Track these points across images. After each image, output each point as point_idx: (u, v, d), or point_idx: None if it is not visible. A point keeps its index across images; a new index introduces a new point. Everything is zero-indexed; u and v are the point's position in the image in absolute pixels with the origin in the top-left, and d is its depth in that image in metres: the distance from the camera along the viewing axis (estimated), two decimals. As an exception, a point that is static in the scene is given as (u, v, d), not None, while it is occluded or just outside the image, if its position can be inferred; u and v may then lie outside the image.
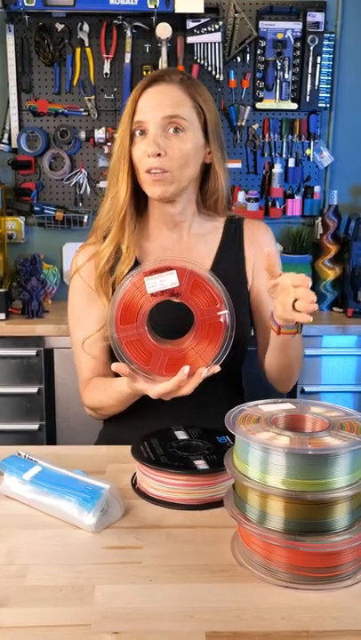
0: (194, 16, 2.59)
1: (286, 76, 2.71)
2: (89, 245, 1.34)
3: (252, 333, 1.41)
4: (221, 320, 1.05)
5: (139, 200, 1.30)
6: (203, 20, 2.61)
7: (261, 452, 0.80)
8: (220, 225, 1.37)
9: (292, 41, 2.69)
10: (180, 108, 1.23)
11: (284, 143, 2.79)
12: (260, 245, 1.37)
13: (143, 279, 1.05)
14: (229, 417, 0.87)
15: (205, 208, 1.37)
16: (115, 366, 1.07)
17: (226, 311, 1.06)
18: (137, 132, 1.24)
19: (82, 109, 2.72)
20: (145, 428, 1.16)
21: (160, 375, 1.07)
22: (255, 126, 2.77)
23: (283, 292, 1.05)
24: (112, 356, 1.31)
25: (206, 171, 1.32)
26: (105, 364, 1.32)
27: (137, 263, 1.30)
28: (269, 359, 1.28)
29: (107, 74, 2.69)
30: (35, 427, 2.41)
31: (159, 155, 1.20)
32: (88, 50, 2.67)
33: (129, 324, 1.05)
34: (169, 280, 1.05)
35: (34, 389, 2.39)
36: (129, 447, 1.11)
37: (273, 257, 1.08)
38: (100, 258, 1.29)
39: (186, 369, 1.05)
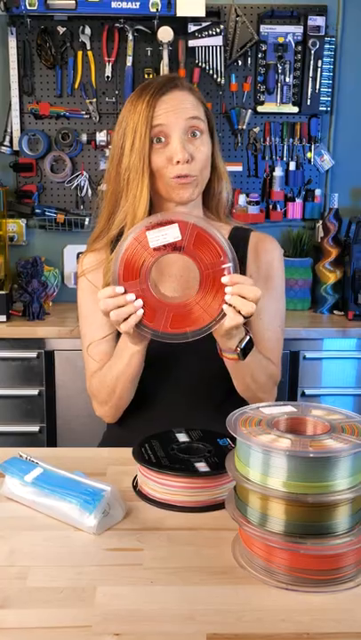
0: (195, 20, 2.60)
1: (287, 79, 2.72)
2: (95, 251, 1.33)
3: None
4: (225, 273, 1.04)
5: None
6: (204, 24, 2.62)
7: (263, 455, 0.80)
8: (225, 232, 1.36)
9: (293, 45, 2.69)
10: (198, 110, 1.23)
11: (285, 146, 2.80)
12: (264, 262, 1.35)
13: (145, 233, 1.03)
14: (231, 419, 0.87)
15: (208, 211, 1.37)
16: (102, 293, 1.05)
17: (230, 264, 1.03)
18: (155, 140, 1.20)
19: (83, 112, 2.73)
20: (148, 429, 1.17)
21: (165, 331, 1.05)
22: (256, 129, 2.78)
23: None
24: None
25: (211, 170, 1.32)
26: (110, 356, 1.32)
27: None
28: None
29: (108, 77, 2.69)
30: (35, 429, 2.41)
31: (188, 161, 1.20)
32: (90, 53, 2.68)
33: (132, 279, 1.04)
34: (171, 234, 1.03)
35: (34, 391, 2.39)
36: (130, 449, 1.11)
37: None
38: (107, 268, 1.27)
39: None
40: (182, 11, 2.50)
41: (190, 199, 1.24)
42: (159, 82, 1.23)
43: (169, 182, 1.22)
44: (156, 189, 1.24)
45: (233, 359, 1.13)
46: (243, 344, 1.11)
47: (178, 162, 1.19)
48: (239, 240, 1.34)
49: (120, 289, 1.04)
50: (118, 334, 1.31)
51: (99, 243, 1.32)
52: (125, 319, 1.04)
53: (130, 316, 1.04)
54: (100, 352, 1.32)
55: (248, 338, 1.12)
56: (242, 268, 1.34)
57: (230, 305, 1.03)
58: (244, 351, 1.11)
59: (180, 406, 1.30)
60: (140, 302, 1.04)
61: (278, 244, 1.41)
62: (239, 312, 1.03)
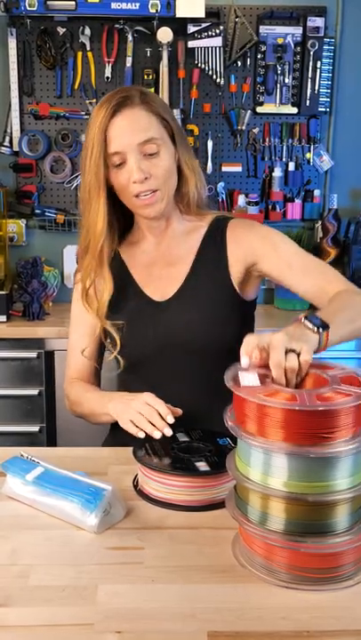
0: (195, 20, 2.60)
1: (286, 80, 2.72)
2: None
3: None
4: None
5: (115, 219, 1.32)
6: (204, 25, 2.62)
7: (263, 455, 0.81)
8: (204, 225, 1.36)
9: (293, 45, 2.70)
10: (150, 129, 1.24)
11: (285, 147, 2.80)
12: (247, 238, 1.33)
13: None
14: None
15: (180, 210, 1.37)
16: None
17: None
18: (114, 162, 1.23)
19: (83, 113, 2.73)
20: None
21: None
22: (255, 130, 2.78)
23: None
24: (99, 362, 1.43)
25: (178, 175, 1.33)
26: (90, 371, 1.42)
27: (122, 265, 1.35)
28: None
29: (108, 77, 2.70)
30: (35, 429, 2.42)
31: (145, 179, 1.23)
32: (89, 54, 2.68)
33: None
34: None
35: (34, 391, 2.39)
36: (130, 449, 1.12)
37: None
38: (82, 283, 1.33)
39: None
40: (182, 12, 2.51)
41: (158, 213, 1.28)
42: (110, 101, 1.24)
43: (133, 201, 1.27)
44: (128, 207, 1.30)
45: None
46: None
47: (135, 182, 1.23)
48: (216, 229, 1.35)
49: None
50: (100, 346, 1.40)
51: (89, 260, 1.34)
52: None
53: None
54: (77, 363, 1.42)
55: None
56: (221, 254, 1.34)
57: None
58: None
59: (182, 406, 1.30)
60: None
61: (255, 221, 1.40)
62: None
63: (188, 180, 1.32)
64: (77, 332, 1.41)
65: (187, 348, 1.29)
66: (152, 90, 2.58)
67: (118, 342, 1.30)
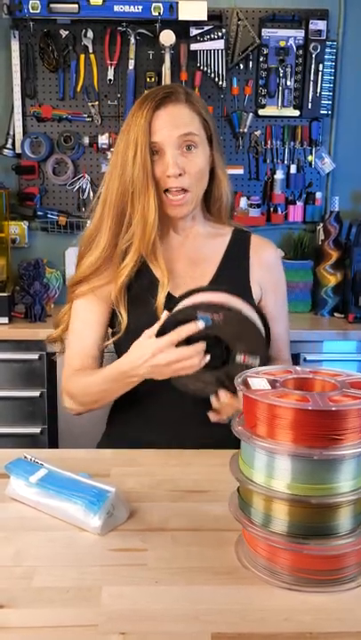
0: (197, 23, 2.61)
1: (289, 83, 2.73)
2: (92, 287, 1.33)
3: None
4: None
5: None
6: (206, 28, 2.63)
7: (267, 457, 0.81)
8: (227, 233, 1.39)
9: (295, 48, 2.71)
10: (192, 125, 1.26)
11: (286, 150, 2.81)
12: (268, 269, 1.39)
13: None
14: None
15: (210, 214, 1.39)
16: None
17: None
18: (154, 152, 1.25)
19: (85, 115, 2.74)
20: (149, 428, 1.20)
21: None
22: (257, 133, 2.79)
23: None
24: (100, 360, 1.37)
25: (210, 177, 1.34)
26: (94, 359, 1.34)
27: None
28: None
29: (110, 80, 2.71)
30: (37, 430, 2.42)
31: (180, 175, 1.24)
32: (92, 56, 2.69)
33: None
34: None
35: (36, 393, 2.40)
36: (133, 451, 1.13)
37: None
38: (119, 275, 1.28)
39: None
40: (184, 14, 2.52)
41: (184, 214, 1.30)
42: (156, 94, 1.27)
43: (163, 197, 1.27)
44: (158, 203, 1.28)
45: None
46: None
47: (169, 176, 1.24)
48: (240, 243, 1.39)
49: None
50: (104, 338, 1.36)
51: (96, 279, 1.31)
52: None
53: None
54: (84, 348, 1.33)
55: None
56: (244, 263, 1.36)
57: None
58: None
59: (181, 404, 1.31)
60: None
61: (271, 243, 1.44)
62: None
63: (222, 184, 1.34)
64: (83, 320, 1.34)
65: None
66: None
67: (125, 319, 1.27)
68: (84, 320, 1.34)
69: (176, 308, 1.14)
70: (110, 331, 1.36)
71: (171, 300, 1.30)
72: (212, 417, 1.21)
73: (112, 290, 1.29)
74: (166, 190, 1.26)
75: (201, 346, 1.11)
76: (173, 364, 1.12)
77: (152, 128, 1.24)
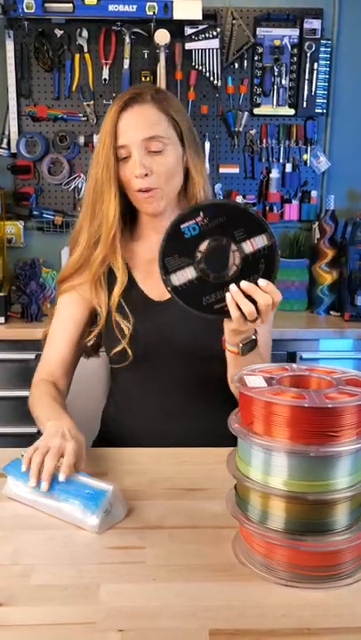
0: (192, 22, 2.61)
1: (283, 82, 2.74)
2: (74, 284, 1.36)
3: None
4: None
5: (123, 212, 1.32)
6: (201, 27, 2.63)
7: (264, 454, 0.81)
8: None
9: (290, 47, 2.71)
10: (158, 126, 1.26)
11: (282, 148, 2.81)
12: None
13: None
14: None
15: None
16: None
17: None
18: (121, 155, 1.26)
19: (81, 115, 2.74)
20: (144, 422, 1.21)
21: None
22: (253, 132, 2.79)
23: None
24: (76, 360, 1.39)
25: (186, 176, 1.34)
26: (65, 367, 1.38)
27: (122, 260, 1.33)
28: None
29: (105, 79, 2.71)
30: (33, 430, 2.40)
31: (146, 175, 1.25)
32: (87, 56, 2.69)
33: None
34: None
35: (33, 393, 2.39)
36: (130, 449, 1.13)
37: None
38: (90, 269, 1.32)
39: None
40: (179, 14, 2.52)
41: (156, 211, 1.30)
42: (124, 96, 1.29)
43: (135, 195, 1.29)
44: (131, 201, 1.31)
45: (233, 352, 1.15)
46: (245, 342, 1.12)
47: (136, 176, 1.25)
48: None
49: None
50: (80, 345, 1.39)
51: (78, 277, 1.34)
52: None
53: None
54: (57, 352, 1.38)
55: (253, 338, 1.13)
56: None
57: (237, 305, 1.03)
58: (244, 348, 1.12)
59: (174, 400, 1.32)
60: None
61: None
62: (243, 314, 1.04)
63: (196, 183, 1.34)
64: (61, 324, 1.38)
65: (178, 349, 1.29)
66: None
67: (128, 331, 1.28)
68: (63, 319, 1.38)
69: (162, 241, 1.06)
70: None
71: (147, 303, 1.31)
72: (231, 338, 1.13)
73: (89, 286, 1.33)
74: (138, 191, 1.27)
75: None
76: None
77: (118, 130, 1.25)
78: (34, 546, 0.90)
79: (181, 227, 1.02)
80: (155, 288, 1.33)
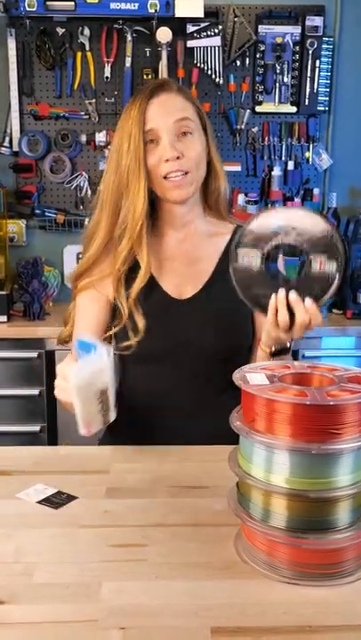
0: (194, 20, 2.61)
1: (285, 79, 2.73)
2: (92, 281, 1.33)
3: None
4: None
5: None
6: (202, 25, 2.63)
7: (266, 452, 0.81)
8: (228, 230, 1.37)
9: (292, 45, 2.71)
10: (187, 111, 1.27)
11: (284, 146, 2.81)
12: None
13: None
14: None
15: (208, 208, 1.38)
16: None
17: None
18: (148, 142, 1.25)
19: (83, 113, 2.74)
20: (155, 420, 1.21)
21: None
22: (255, 129, 2.79)
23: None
24: None
25: (207, 170, 1.34)
26: None
27: None
28: None
29: (107, 77, 2.70)
30: (36, 428, 2.42)
31: (178, 158, 1.24)
32: (89, 54, 2.69)
33: None
34: None
35: (35, 391, 2.40)
36: (132, 447, 1.13)
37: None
38: (115, 262, 1.29)
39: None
40: (181, 11, 2.52)
41: (187, 197, 1.28)
42: (149, 86, 1.29)
43: (162, 183, 1.26)
44: (154, 191, 1.28)
45: (264, 351, 1.18)
46: (278, 347, 1.16)
47: (167, 160, 1.24)
48: None
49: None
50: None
51: (97, 271, 1.32)
52: None
53: None
54: None
55: (286, 346, 1.17)
56: None
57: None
58: (275, 353, 1.16)
59: (185, 399, 1.31)
60: None
61: None
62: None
63: (219, 176, 1.34)
64: (83, 323, 1.35)
65: (196, 350, 1.28)
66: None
67: (142, 328, 1.26)
68: (88, 319, 1.35)
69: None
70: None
71: (167, 302, 1.30)
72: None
73: (112, 281, 1.30)
74: (165, 177, 1.25)
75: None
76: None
77: (146, 117, 1.25)
78: (36, 544, 0.90)
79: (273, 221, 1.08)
80: (175, 286, 1.32)
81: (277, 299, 1.07)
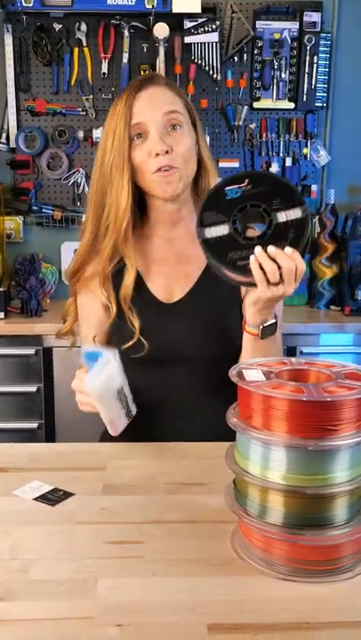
0: (191, 16, 2.60)
1: (283, 75, 2.72)
2: (85, 280, 1.33)
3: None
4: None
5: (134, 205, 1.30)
6: (200, 20, 2.62)
7: (262, 448, 0.81)
8: None
9: (289, 40, 2.70)
10: (176, 104, 1.25)
11: (282, 142, 2.80)
12: None
13: None
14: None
15: (195, 207, 1.37)
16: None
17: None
18: (135, 137, 1.23)
19: (80, 109, 2.73)
20: (150, 420, 1.20)
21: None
22: (252, 126, 2.78)
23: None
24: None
25: (197, 167, 1.32)
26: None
27: None
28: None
29: (104, 73, 2.70)
30: (34, 425, 2.42)
31: (167, 152, 1.21)
32: (86, 50, 2.68)
33: None
34: None
35: (33, 388, 2.40)
36: (129, 444, 1.12)
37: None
38: (100, 259, 1.29)
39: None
40: (178, 7, 2.51)
41: (175, 193, 1.25)
42: (136, 80, 1.27)
43: (151, 178, 1.23)
44: (142, 187, 1.26)
45: (252, 334, 1.17)
46: (266, 324, 1.15)
47: (157, 154, 1.21)
48: None
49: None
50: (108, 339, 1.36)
51: (89, 268, 1.32)
52: None
53: None
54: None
55: (273, 321, 1.15)
56: None
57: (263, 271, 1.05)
58: (265, 331, 1.15)
59: (184, 397, 1.31)
60: None
61: None
62: (269, 283, 1.06)
63: (209, 173, 1.32)
64: (86, 323, 1.37)
65: (186, 352, 1.28)
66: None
67: (137, 328, 1.26)
68: (88, 318, 1.36)
69: (208, 191, 1.15)
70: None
71: (155, 304, 1.29)
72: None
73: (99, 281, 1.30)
74: (155, 173, 1.22)
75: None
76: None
77: (133, 111, 1.22)
78: (32, 541, 0.90)
79: (226, 188, 1.09)
80: (164, 289, 1.31)
81: (257, 254, 1.05)
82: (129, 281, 1.27)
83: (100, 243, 1.28)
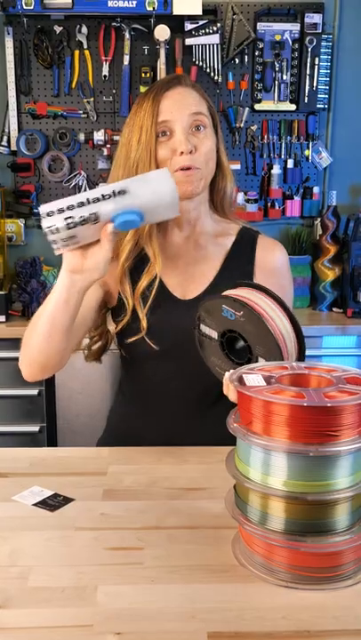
0: (192, 18, 2.60)
1: (285, 77, 2.72)
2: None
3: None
4: None
5: None
6: (201, 22, 2.62)
7: (263, 454, 0.80)
8: (234, 232, 1.36)
9: (290, 42, 2.70)
10: (201, 106, 1.26)
11: (283, 144, 2.80)
12: (273, 273, 1.34)
13: None
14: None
15: (213, 207, 1.37)
16: None
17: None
18: (160, 134, 1.24)
19: (81, 111, 2.73)
20: (149, 424, 1.18)
21: None
22: (254, 127, 2.78)
23: None
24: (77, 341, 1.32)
25: (215, 169, 1.32)
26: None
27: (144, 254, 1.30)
28: None
29: (105, 76, 2.69)
30: (35, 429, 2.42)
31: (191, 152, 1.22)
32: (87, 52, 2.68)
33: None
34: None
35: (34, 391, 2.39)
36: (130, 448, 1.12)
37: None
38: (120, 253, 1.26)
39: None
40: (179, 9, 2.50)
41: (194, 193, 1.25)
42: (163, 80, 1.28)
43: (173, 176, 1.23)
44: None
45: None
46: None
47: (181, 153, 1.22)
48: (246, 243, 1.35)
49: None
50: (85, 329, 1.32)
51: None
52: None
53: None
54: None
55: None
56: (249, 265, 1.34)
57: None
58: None
59: (183, 400, 1.30)
60: None
61: (280, 245, 1.40)
62: None
63: (227, 175, 1.33)
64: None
65: (198, 351, 1.27)
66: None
67: (145, 325, 1.25)
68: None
69: (209, 297, 1.15)
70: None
71: (172, 301, 1.29)
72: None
73: (114, 272, 1.27)
74: (177, 171, 1.22)
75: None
76: None
77: (160, 109, 1.23)
78: (31, 547, 0.89)
79: (223, 306, 1.10)
80: (179, 286, 1.30)
81: (226, 376, 1.02)
82: (146, 278, 1.26)
83: (121, 239, 1.27)
